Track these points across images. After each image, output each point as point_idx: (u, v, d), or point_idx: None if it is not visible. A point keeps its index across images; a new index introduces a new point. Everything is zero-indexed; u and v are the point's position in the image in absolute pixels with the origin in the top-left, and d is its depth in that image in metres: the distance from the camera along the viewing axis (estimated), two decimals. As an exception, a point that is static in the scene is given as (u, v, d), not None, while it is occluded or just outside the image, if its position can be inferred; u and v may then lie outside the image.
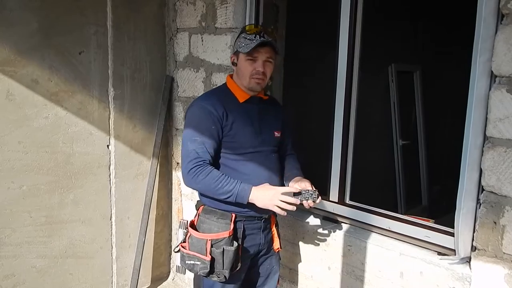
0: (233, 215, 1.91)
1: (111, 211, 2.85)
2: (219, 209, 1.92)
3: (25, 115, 2.40)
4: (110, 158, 2.80)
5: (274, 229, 2.10)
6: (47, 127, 2.49)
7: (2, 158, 2.34)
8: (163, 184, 3.16)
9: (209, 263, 1.85)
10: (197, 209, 2.01)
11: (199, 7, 2.79)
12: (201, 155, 1.83)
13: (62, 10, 2.48)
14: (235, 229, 1.91)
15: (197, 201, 2.04)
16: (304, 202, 1.84)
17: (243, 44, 1.87)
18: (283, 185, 2.04)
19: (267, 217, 2.03)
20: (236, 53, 1.94)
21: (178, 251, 2.00)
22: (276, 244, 2.10)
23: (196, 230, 1.94)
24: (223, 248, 1.85)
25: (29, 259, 2.51)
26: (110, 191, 2.83)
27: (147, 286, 3.14)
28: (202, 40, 2.81)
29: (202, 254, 1.87)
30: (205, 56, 2.81)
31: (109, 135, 2.78)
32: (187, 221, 2.01)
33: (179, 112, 3.04)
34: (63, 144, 2.57)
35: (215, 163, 1.89)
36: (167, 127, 3.11)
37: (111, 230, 2.87)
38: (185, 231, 2.00)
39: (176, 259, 2.03)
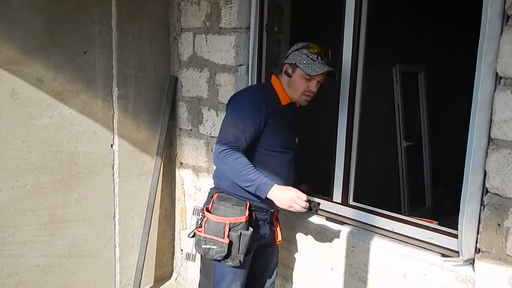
0: (248, 203, 2.00)
1: (114, 211, 2.86)
2: (235, 196, 2.00)
3: (30, 114, 2.41)
4: (113, 158, 2.81)
5: (276, 223, 2.20)
6: (52, 126, 2.50)
7: (7, 157, 2.36)
8: (166, 184, 3.16)
9: (227, 246, 1.92)
10: (211, 196, 2.07)
11: (204, 7, 2.79)
12: (238, 141, 1.91)
13: (67, 10, 2.49)
14: (250, 215, 1.99)
15: (211, 188, 2.12)
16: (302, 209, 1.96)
17: (304, 62, 1.95)
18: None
19: (273, 211, 2.12)
20: (293, 66, 2.00)
21: (193, 236, 2.06)
22: (279, 237, 2.20)
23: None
24: (240, 232, 1.92)
25: (33, 258, 2.52)
26: (114, 190, 2.84)
27: (150, 286, 3.15)
28: (207, 40, 2.81)
29: (219, 237, 1.94)
30: (209, 56, 2.81)
31: (113, 135, 2.79)
32: (201, 208, 2.09)
33: (183, 112, 3.04)
34: (67, 143, 2.58)
35: (247, 153, 1.96)
36: (171, 127, 3.11)
37: (115, 229, 2.87)
38: (199, 217, 2.08)
39: (188, 245, 2.07)
